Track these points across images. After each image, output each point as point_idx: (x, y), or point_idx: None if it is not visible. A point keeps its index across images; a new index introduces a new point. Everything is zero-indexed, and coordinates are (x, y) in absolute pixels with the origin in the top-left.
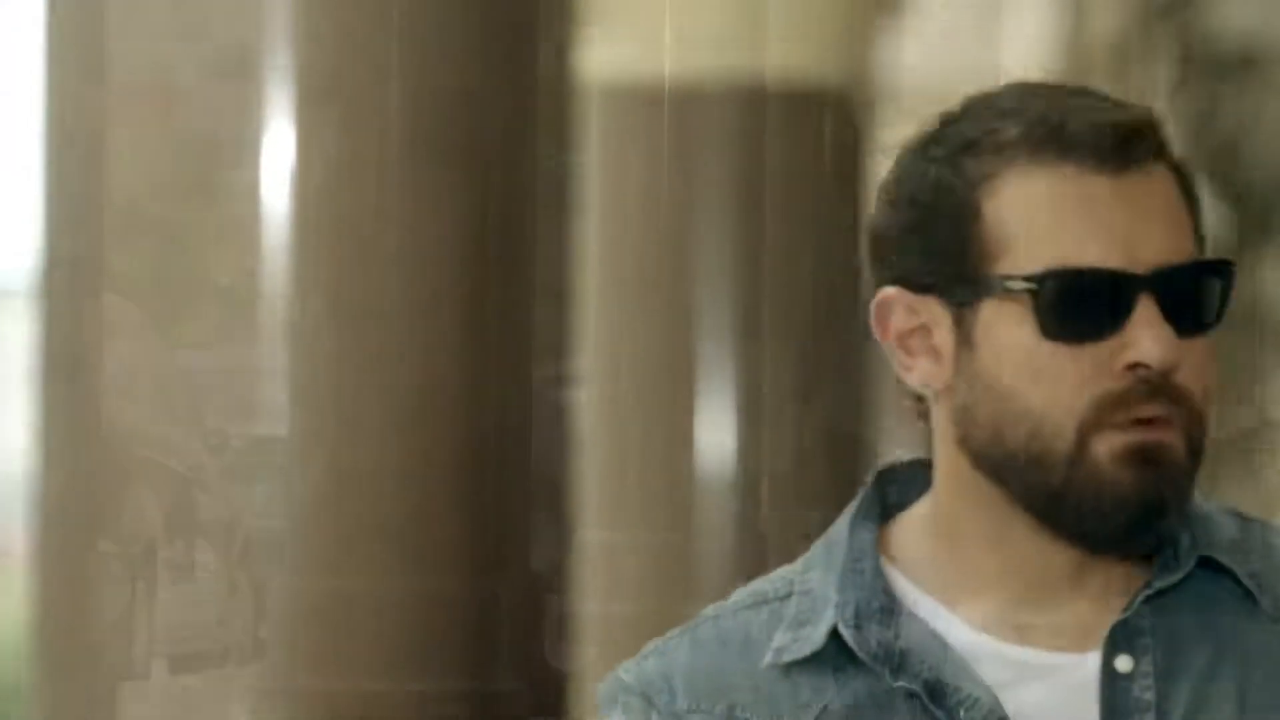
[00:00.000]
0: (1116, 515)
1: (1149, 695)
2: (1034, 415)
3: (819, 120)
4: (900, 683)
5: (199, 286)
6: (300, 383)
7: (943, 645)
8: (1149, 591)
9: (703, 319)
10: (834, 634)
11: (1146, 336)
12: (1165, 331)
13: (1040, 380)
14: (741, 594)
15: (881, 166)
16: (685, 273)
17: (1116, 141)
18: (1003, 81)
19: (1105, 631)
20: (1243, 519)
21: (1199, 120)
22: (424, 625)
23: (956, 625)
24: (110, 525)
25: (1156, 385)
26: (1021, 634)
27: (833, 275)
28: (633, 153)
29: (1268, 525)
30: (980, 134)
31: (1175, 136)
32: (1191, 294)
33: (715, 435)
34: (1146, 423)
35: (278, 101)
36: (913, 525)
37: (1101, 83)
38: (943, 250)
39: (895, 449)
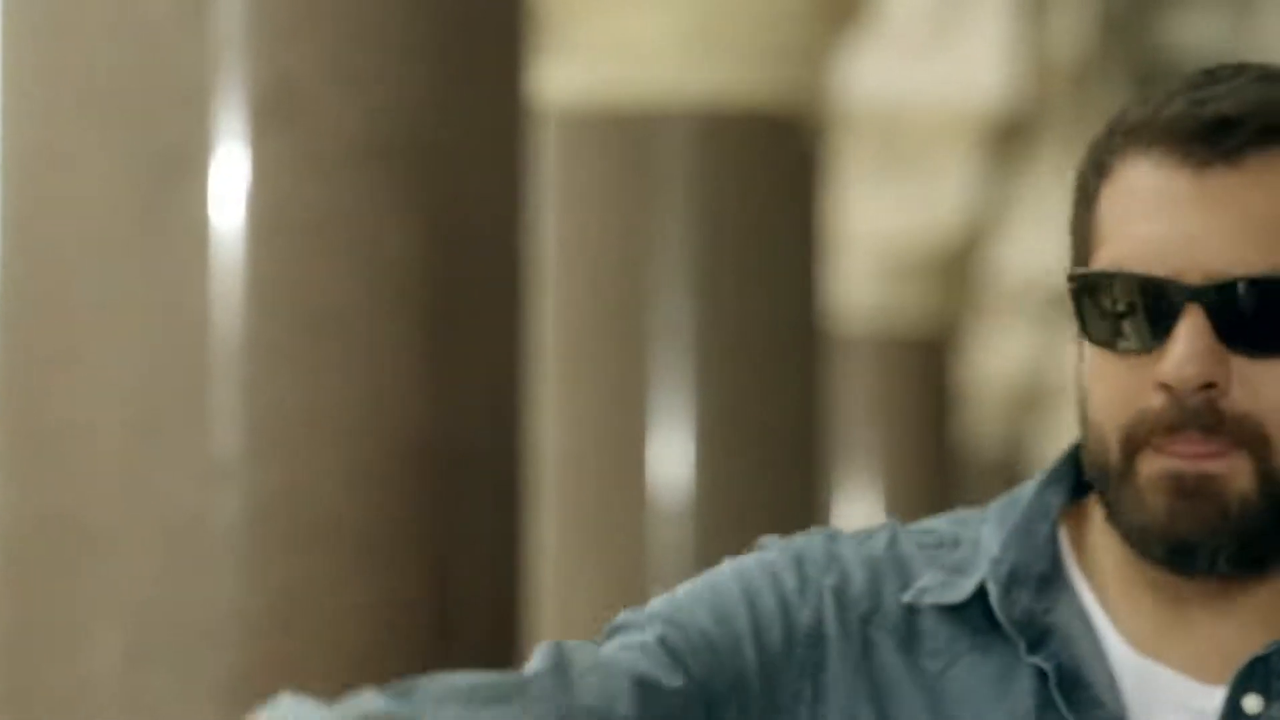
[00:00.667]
0: (1153, 546)
1: None
2: (1093, 424)
3: (776, 143)
4: (1034, 659)
5: (155, 295)
6: (258, 389)
7: (1090, 634)
8: None
9: (658, 341)
10: (982, 591)
11: (1174, 353)
12: (1198, 347)
13: (1096, 387)
14: (923, 523)
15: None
16: (641, 295)
17: (1204, 131)
18: (956, 105)
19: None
20: None
21: None
22: (382, 628)
23: (1102, 621)
24: (69, 533)
25: (1195, 409)
26: (1160, 649)
27: (789, 298)
28: (589, 175)
29: None
30: (1123, 118)
31: None
32: (1258, 309)
33: (669, 455)
34: (1189, 449)
35: (234, 109)
36: (1094, 509)
37: (1059, 102)
38: (1075, 240)
39: (850, 471)
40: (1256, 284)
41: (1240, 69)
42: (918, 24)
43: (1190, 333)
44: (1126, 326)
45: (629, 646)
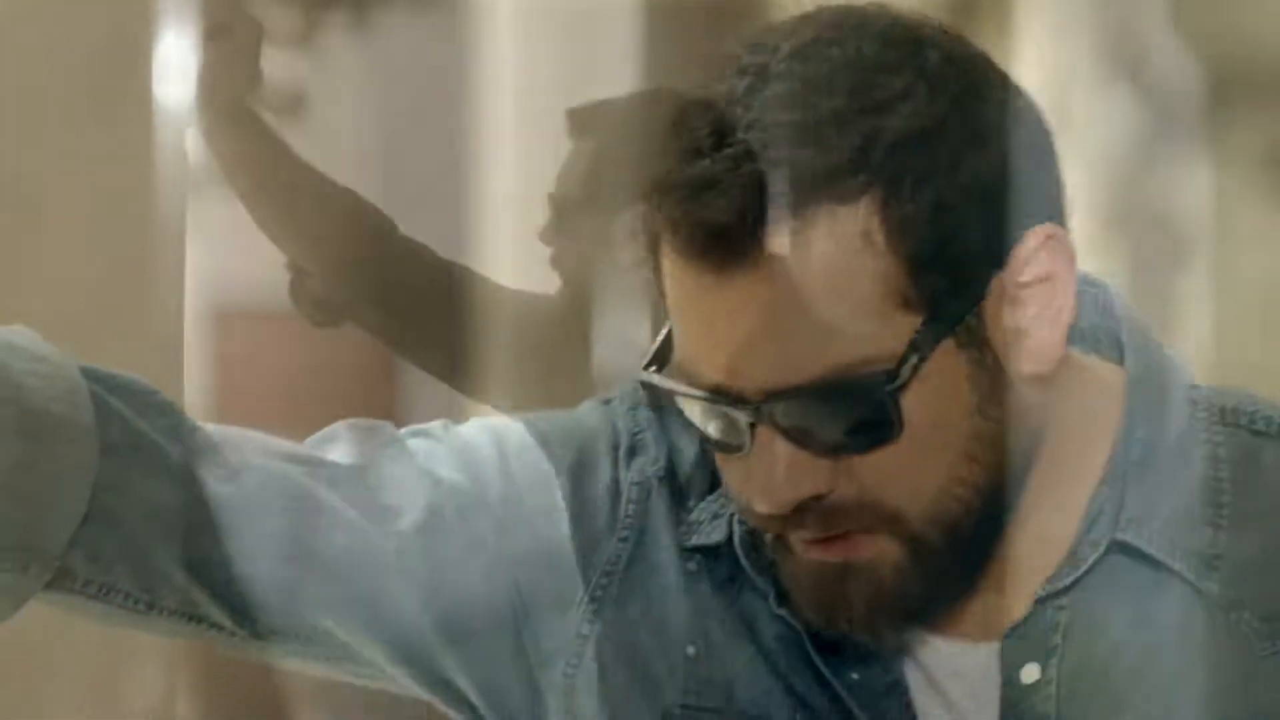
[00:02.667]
0: (820, 622)
1: (1050, 706)
2: (736, 502)
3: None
4: (782, 611)
5: (101, 182)
6: None
7: None
8: (1047, 590)
9: None
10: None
11: (758, 482)
12: (781, 470)
13: (724, 473)
14: None
15: None
16: None
17: (708, 240)
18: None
19: (1008, 626)
20: (1224, 468)
21: (1113, 25)
22: None
23: None
24: None
25: (805, 514)
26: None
27: None
28: (539, 62)
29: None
30: (650, 177)
31: (1087, 47)
32: (825, 414)
33: None
34: (825, 536)
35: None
36: None
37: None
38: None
39: None
40: (812, 391)
41: (757, 84)
42: None
43: (766, 456)
44: (714, 432)
45: (431, 469)
